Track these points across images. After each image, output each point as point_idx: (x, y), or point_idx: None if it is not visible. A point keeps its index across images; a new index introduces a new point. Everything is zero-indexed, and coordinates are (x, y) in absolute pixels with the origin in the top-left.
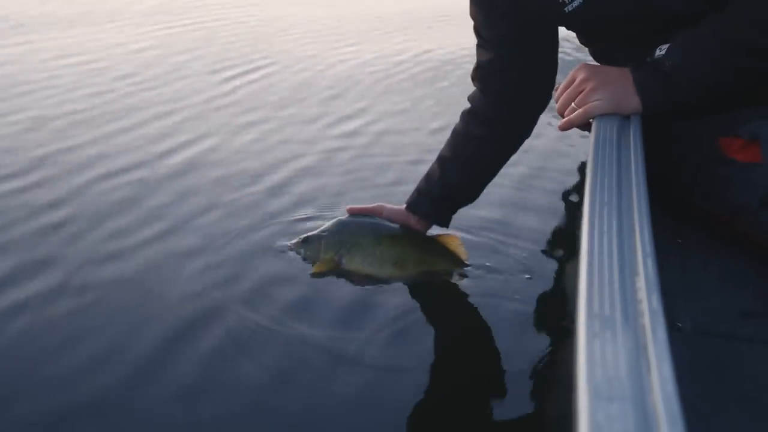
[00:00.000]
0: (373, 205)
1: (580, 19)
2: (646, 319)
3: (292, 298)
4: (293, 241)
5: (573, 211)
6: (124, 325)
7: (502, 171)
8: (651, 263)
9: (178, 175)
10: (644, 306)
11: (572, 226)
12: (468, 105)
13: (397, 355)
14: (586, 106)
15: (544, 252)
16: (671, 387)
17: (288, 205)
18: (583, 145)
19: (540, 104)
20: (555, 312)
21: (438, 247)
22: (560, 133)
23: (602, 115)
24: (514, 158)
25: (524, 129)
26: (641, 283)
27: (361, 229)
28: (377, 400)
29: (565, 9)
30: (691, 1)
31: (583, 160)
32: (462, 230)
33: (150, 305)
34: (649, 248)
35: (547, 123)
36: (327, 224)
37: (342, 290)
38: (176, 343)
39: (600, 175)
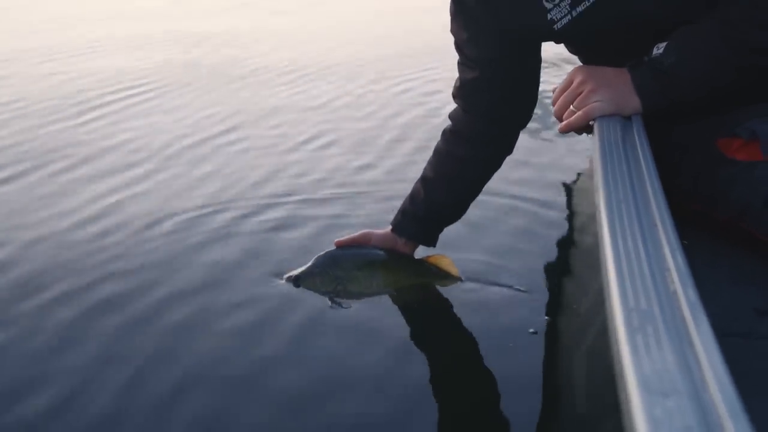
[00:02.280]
0: (359, 233)
1: (570, 35)
2: (686, 312)
3: (293, 328)
4: (284, 279)
5: (569, 221)
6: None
7: (491, 183)
8: (680, 256)
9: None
10: (681, 298)
11: (566, 237)
12: (449, 123)
13: (400, 376)
14: (585, 108)
15: (539, 264)
16: (726, 378)
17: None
18: (572, 153)
19: (523, 120)
20: (554, 323)
21: (431, 268)
22: (550, 141)
23: (603, 117)
24: (500, 169)
25: (507, 146)
26: (674, 276)
27: (354, 261)
28: (381, 420)
29: (554, 27)
30: (678, 12)
31: (575, 167)
32: (453, 247)
33: (154, 344)
34: (675, 242)
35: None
36: (316, 259)
37: (342, 319)
38: (182, 374)
39: (611, 175)
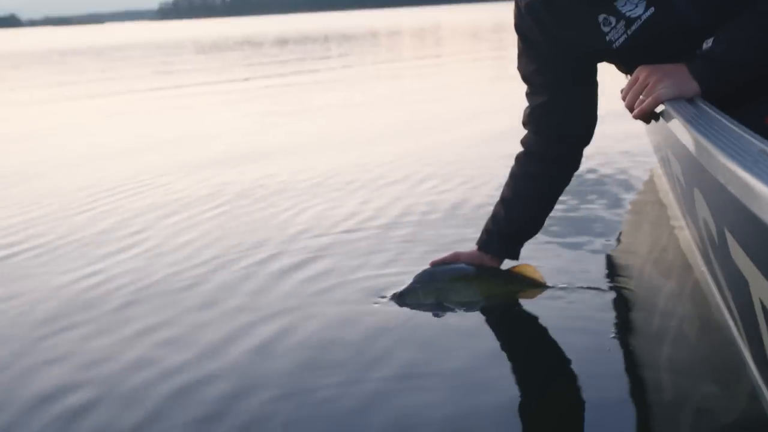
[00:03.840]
0: (449, 254)
1: (627, 51)
2: None
3: (402, 338)
4: (388, 297)
5: (636, 223)
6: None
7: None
8: None
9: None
10: None
11: (634, 238)
12: (521, 149)
13: (497, 378)
14: (654, 94)
15: (615, 260)
16: None
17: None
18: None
19: (587, 138)
20: (633, 321)
21: (518, 276)
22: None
23: (670, 100)
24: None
25: (575, 162)
26: None
27: (451, 274)
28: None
29: (613, 46)
30: (717, 16)
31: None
32: (534, 257)
33: (253, 366)
34: None
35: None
36: (416, 277)
37: (444, 328)
38: (281, 394)
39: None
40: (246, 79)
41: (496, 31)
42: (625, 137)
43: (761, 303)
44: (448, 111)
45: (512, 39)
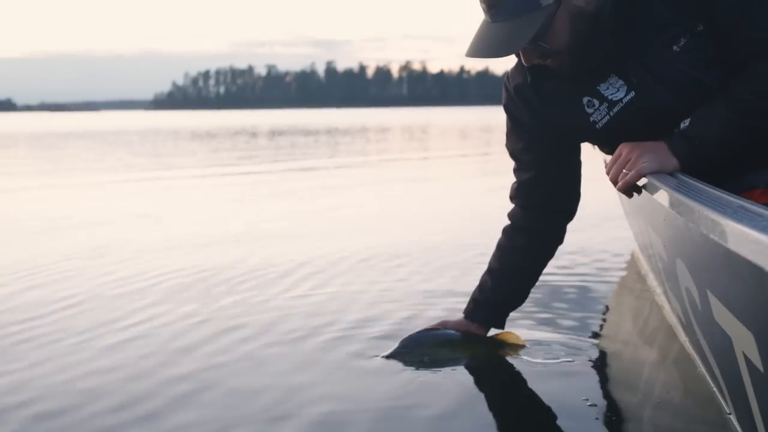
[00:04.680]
0: (437, 322)
1: (610, 131)
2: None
3: (390, 395)
4: (377, 357)
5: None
6: None
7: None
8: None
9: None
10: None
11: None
12: (508, 222)
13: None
14: (637, 168)
15: (598, 332)
16: None
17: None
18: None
19: (571, 213)
20: (609, 391)
21: (502, 344)
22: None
23: (651, 173)
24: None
25: (560, 236)
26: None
27: (436, 339)
28: None
29: (597, 126)
30: (693, 98)
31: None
32: (519, 327)
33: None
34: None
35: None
36: (403, 341)
37: (423, 390)
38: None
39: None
40: (246, 173)
41: (485, 131)
42: (607, 218)
43: (744, 356)
44: (429, 205)
45: (498, 138)
